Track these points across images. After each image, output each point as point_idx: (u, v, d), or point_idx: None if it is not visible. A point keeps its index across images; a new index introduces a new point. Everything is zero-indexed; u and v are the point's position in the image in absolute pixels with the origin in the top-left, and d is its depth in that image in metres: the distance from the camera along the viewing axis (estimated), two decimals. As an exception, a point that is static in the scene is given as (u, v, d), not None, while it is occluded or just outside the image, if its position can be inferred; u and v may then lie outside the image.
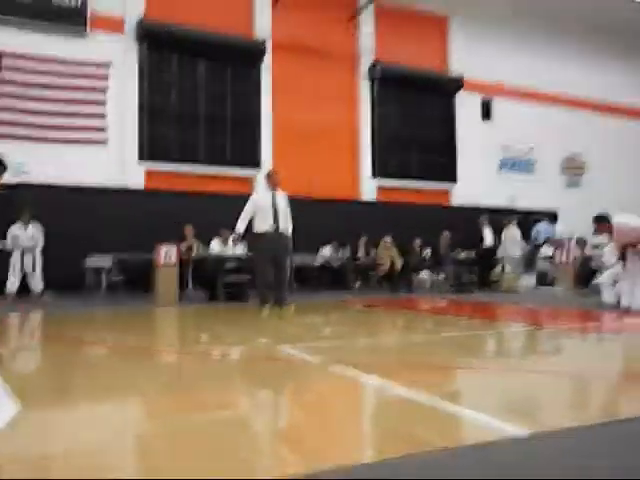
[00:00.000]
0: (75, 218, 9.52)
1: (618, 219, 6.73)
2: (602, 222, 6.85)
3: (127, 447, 2.10)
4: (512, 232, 11.96)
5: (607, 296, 7.47)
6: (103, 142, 10.49)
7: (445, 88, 13.90)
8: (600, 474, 1.75)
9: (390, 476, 1.75)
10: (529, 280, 11.46)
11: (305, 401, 2.80)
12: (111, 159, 10.51)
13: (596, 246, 12.29)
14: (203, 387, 3.08)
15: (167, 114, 11.29)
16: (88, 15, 10.40)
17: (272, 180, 6.92)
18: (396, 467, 1.80)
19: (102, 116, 10.50)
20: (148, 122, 11.01)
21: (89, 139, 10.36)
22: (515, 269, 11.75)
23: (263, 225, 6.63)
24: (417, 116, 13.82)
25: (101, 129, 10.49)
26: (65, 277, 8.86)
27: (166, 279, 8.17)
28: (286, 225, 6.75)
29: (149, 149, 10.97)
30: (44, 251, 9.11)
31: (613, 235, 6.80)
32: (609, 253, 9.53)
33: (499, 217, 12.34)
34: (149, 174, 10.89)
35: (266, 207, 6.65)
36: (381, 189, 13.12)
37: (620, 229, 6.66)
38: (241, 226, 6.68)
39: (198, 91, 11.62)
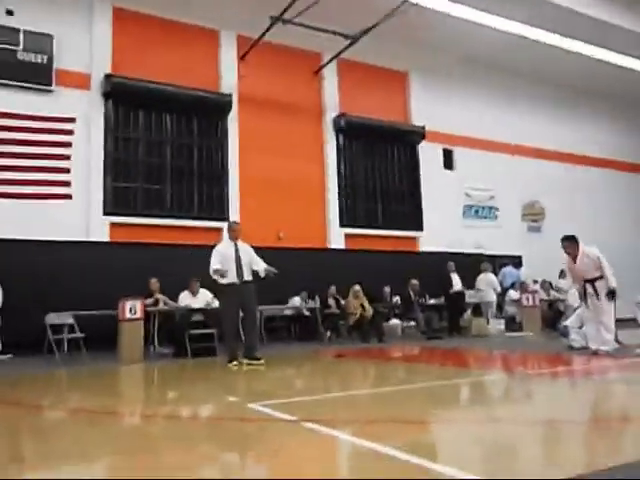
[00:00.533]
0: (36, 274, 9.20)
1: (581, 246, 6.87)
2: (571, 241, 6.92)
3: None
4: (488, 278, 12.15)
5: (575, 339, 7.53)
6: (67, 196, 10.30)
7: (408, 138, 14.29)
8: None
9: None
10: (498, 325, 11.53)
11: (272, 464, 2.66)
12: (75, 213, 10.30)
13: (559, 289, 12.56)
14: (165, 450, 2.90)
15: (133, 167, 11.22)
16: (54, 71, 10.41)
17: (233, 232, 6.99)
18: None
19: (67, 170, 10.37)
20: (113, 175, 10.90)
21: (53, 194, 10.17)
22: (492, 314, 11.86)
23: (227, 278, 6.60)
24: (382, 166, 14.12)
25: (66, 183, 10.33)
26: (24, 336, 8.46)
27: (130, 335, 7.88)
28: (250, 276, 6.75)
29: (114, 202, 10.82)
30: (1, 310, 8.72)
31: (577, 259, 6.83)
32: (572, 295, 9.71)
33: (467, 262, 12.52)
34: (113, 227, 10.69)
35: (229, 259, 6.67)
36: (349, 237, 13.19)
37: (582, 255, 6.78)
38: (216, 265, 6.56)
39: (165, 145, 11.62)
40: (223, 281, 6.60)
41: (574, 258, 6.90)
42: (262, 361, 6.51)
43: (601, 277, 6.77)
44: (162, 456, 2.83)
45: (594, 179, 17.16)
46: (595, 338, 6.89)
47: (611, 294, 6.73)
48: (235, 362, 6.49)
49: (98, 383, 6.03)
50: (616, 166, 17.94)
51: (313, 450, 2.88)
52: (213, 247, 6.99)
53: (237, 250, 6.76)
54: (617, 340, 7.39)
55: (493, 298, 12.08)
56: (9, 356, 8.68)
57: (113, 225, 10.70)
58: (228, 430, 3.37)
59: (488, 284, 12.10)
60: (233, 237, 6.93)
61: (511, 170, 15.48)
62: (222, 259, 6.65)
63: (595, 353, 6.76)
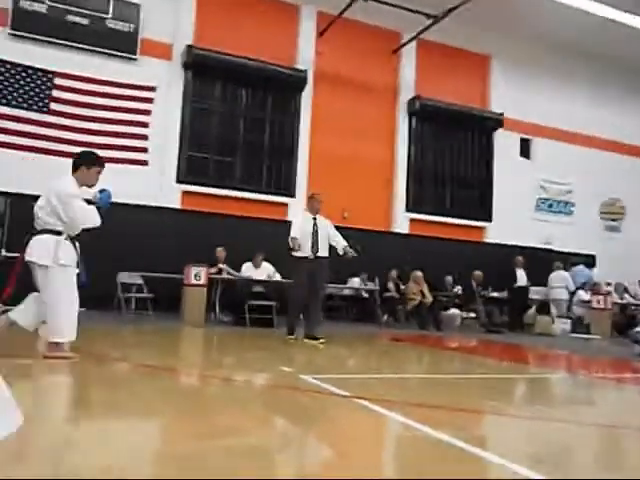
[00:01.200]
0: (110, 234, 9.67)
1: None
2: None
3: (136, 468, 2.03)
4: (562, 275, 11.75)
5: None
6: (144, 162, 10.72)
7: (484, 125, 13.80)
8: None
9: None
10: (563, 325, 11.06)
11: (324, 435, 2.69)
12: (150, 179, 10.71)
13: (636, 295, 11.88)
14: (219, 411, 3.00)
15: (207, 138, 11.51)
16: (139, 40, 10.78)
17: (314, 204, 6.74)
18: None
19: (145, 137, 10.77)
20: (188, 145, 11.23)
21: (131, 159, 10.61)
22: (561, 312, 11.44)
23: (302, 251, 6.40)
24: (454, 152, 13.73)
25: (143, 150, 10.74)
26: (95, 292, 8.95)
27: (194, 300, 8.18)
28: (325, 252, 6.55)
29: (187, 171, 11.16)
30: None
31: None
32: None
33: (534, 257, 12.07)
34: (185, 195, 11.04)
35: (306, 232, 6.47)
36: (414, 222, 12.98)
37: None
38: (295, 233, 6.35)
39: (238, 118, 11.82)
40: (296, 254, 6.41)
41: None
42: (322, 340, 6.35)
43: None
44: (215, 416, 2.93)
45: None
46: None
47: None
48: (292, 336, 6.49)
49: (161, 341, 6.32)
50: None
51: (362, 425, 2.89)
52: (280, 222, 7.03)
53: (315, 224, 6.57)
54: None
55: (565, 296, 11.63)
56: (81, 309, 9.21)
57: (185, 193, 11.05)
58: (280, 398, 3.44)
59: (561, 281, 11.65)
60: (313, 210, 6.70)
61: (592, 165, 14.62)
62: (300, 230, 6.43)
63: None
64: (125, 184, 10.32)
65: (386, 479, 2.12)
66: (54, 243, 4.29)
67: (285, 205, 11.82)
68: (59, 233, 4.34)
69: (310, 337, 6.41)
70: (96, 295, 8.95)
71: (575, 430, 3.05)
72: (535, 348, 8.09)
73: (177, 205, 10.91)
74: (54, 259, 4.28)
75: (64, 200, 4.30)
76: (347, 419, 3.01)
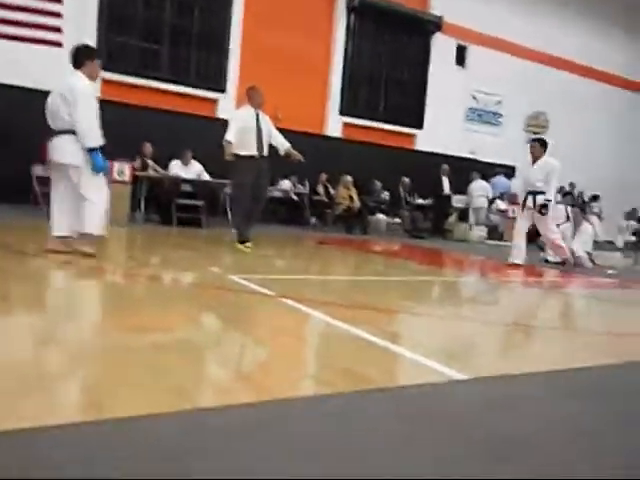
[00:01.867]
0: (23, 124, 8.97)
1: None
2: (541, 143, 6.89)
3: (60, 364, 2.06)
4: (482, 185, 12.26)
5: (550, 254, 7.77)
6: (57, 44, 9.75)
7: (423, 28, 13.52)
8: (532, 418, 1.85)
9: (330, 410, 1.79)
10: (480, 232, 11.77)
11: (251, 331, 2.82)
12: (63, 63, 9.80)
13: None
14: (146, 310, 3.04)
15: (128, 21, 10.55)
16: None
17: (255, 97, 6.16)
18: (336, 402, 1.85)
19: (58, 15, 9.72)
20: (107, 28, 10.27)
21: (41, 39, 9.61)
22: (479, 220, 12.06)
23: (246, 149, 5.95)
24: (391, 54, 13.48)
25: (56, 29, 9.73)
26: (10, 185, 8.44)
27: (117, 198, 7.83)
28: (267, 151, 6.16)
29: (107, 56, 10.29)
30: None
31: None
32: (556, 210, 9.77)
33: (459, 166, 12.46)
34: (106, 83, 10.27)
35: (249, 128, 5.97)
36: (347, 126, 12.91)
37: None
38: (230, 137, 5.83)
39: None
40: (241, 152, 5.94)
41: (534, 161, 6.86)
42: (249, 244, 6.17)
43: (543, 192, 6.70)
44: (141, 313, 2.96)
45: (604, 96, 16.66)
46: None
47: (543, 208, 6.68)
48: (248, 243, 6.03)
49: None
50: (621, 84, 17.29)
51: (287, 321, 3.04)
52: (209, 118, 6.71)
53: (259, 120, 6.06)
54: (591, 260, 7.64)
55: (484, 205, 12.24)
56: (-6, 203, 8.70)
57: (105, 82, 10.28)
58: (207, 296, 3.51)
59: (481, 191, 12.21)
60: (256, 104, 6.12)
61: (523, 77, 14.88)
62: (241, 128, 5.91)
63: (571, 265, 7.19)
64: (35, 66, 9.44)
65: (310, 373, 2.28)
66: (73, 140, 4.33)
67: (215, 101, 11.32)
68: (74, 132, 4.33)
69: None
70: (11, 189, 8.46)
71: (481, 328, 3.37)
72: (452, 253, 8.61)
73: (96, 94, 10.17)
74: (78, 156, 4.33)
75: (77, 98, 4.28)
76: (272, 316, 3.15)
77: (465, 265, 7.66)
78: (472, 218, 12.07)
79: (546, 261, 7.78)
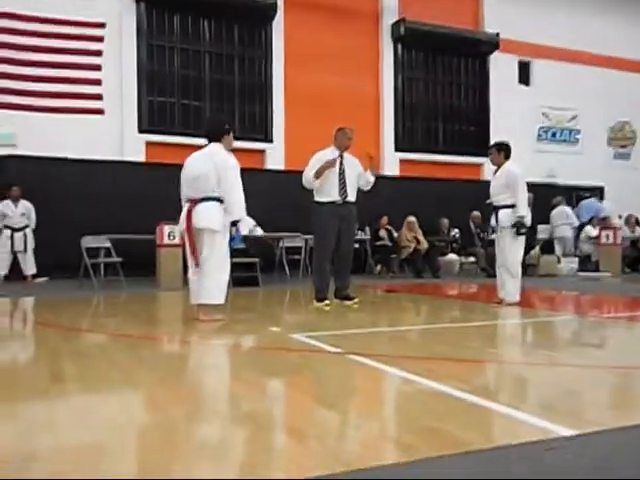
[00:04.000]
0: (69, 195, 9.56)
1: None
2: (498, 149, 6.29)
3: (122, 442, 2.09)
4: (565, 211, 11.90)
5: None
6: (99, 111, 10.47)
7: (478, 49, 13.62)
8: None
9: (424, 477, 1.71)
10: (570, 264, 11.29)
11: (323, 394, 2.77)
12: (108, 130, 10.50)
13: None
14: (207, 377, 3.06)
15: (168, 81, 11.23)
16: (81, -29, 10.33)
17: (340, 137, 6.05)
18: (432, 468, 1.76)
19: (97, 82, 10.48)
20: (147, 89, 10.96)
21: (84, 107, 10.35)
22: (567, 251, 11.65)
23: (326, 194, 5.88)
24: (446, 81, 13.60)
25: (96, 96, 10.47)
26: (59, 260, 8.93)
27: (169, 261, 8.19)
28: (354, 196, 6.00)
29: (149, 119, 10.94)
30: (35, 231, 9.18)
31: None
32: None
33: (538, 193, 12.15)
34: (150, 146, 10.88)
35: (332, 172, 5.87)
36: (404, 163, 12.97)
37: None
38: (311, 172, 5.81)
39: (202, 55, 11.52)
40: (320, 198, 5.89)
41: (495, 171, 6.23)
42: (356, 300, 6.04)
43: (509, 206, 5.92)
44: (201, 382, 2.98)
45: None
46: (501, 285, 6.15)
47: (518, 227, 5.83)
48: (327, 301, 5.88)
49: (136, 309, 6.35)
50: None
51: (358, 380, 2.97)
52: (258, 170, 6.89)
53: (342, 162, 5.97)
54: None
55: (568, 233, 11.83)
56: (45, 279, 9.22)
57: (149, 144, 10.88)
58: (271, 359, 3.50)
59: (564, 218, 11.82)
60: (342, 145, 6.03)
61: (599, 86, 14.56)
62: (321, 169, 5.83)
63: (499, 302, 6.10)
64: (80, 137, 10.13)
65: (390, 436, 2.20)
66: (219, 208, 4.84)
67: (262, 152, 11.71)
68: (219, 200, 4.85)
69: (343, 297, 6.08)
70: (60, 263, 8.96)
71: (584, 374, 3.17)
72: (539, 289, 8.28)
73: (142, 158, 10.76)
74: (222, 223, 4.82)
75: (228, 171, 4.86)
76: (341, 375, 3.09)
77: (557, 302, 7.33)
78: (558, 249, 11.65)
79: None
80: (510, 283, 6.03)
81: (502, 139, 6.57)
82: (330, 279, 6.05)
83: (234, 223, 4.85)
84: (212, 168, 4.83)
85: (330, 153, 6.01)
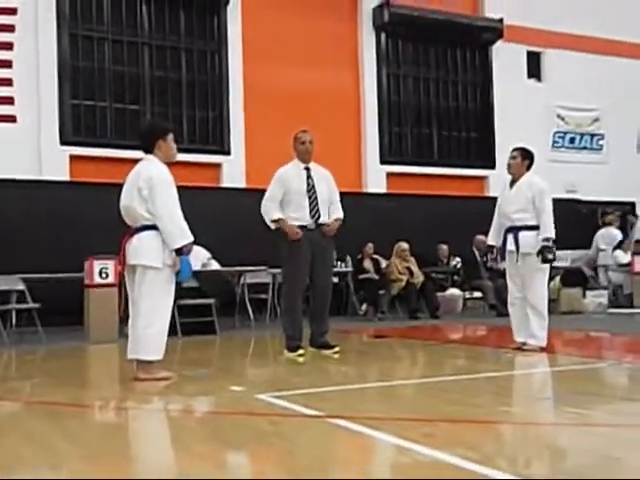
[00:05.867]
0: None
1: None
2: (522, 154, 6.27)
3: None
4: (611, 233, 12.12)
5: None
6: (10, 119, 10.41)
7: (478, 38, 13.90)
8: None
9: None
10: (598, 297, 11.41)
11: (297, 469, 2.75)
12: (22, 141, 10.42)
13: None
14: (151, 450, 3.02)
15: (98, 80, 11.22)
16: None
17: (301, 148, 6.09)
18: None
19: (8, 82, 10.44)
20: (72, 91, 10.93)
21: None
22: (600, 282, 11.87)
23: (295, 218, 5.89)
24: (440, 77, 13.82)
25: (7, 100, 10.42)
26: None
27: (101, 305, 8.08)
28: (327, 216, 6.04)
29: (74, 127, 10.90)
30: None
31: None
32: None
33: (555, 211, 12.35)
34: (75, 161, 10.81)
35: (296, 191, 5.93)
36: (393, 177, 13.10)
37: None
38: (274, 212, 5.88)
39: (140, 48, 11.56)
40: (287, 223, 5.89)
41: (512, 182, 6.23)
42: (337, 348, 6.00)
43: (533, 227, 5.98)
44: (145, 458, 2.95)
45: None
46: (519, 326, 6.17)
47: (546, 253, 5.80)
48: (301, 351, 5.84)
49: (59, 368, 6.25)
50: None
51: (342, 451, 2.96)
52: (209, 189, 6.89)
53: (310, 176, 6.01)
54: None
55: (610, 261, 12.04)
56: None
57: (74, 158, 10.82)
58: (231, 425, 3.48)
59: (611, 241, 12.08)
60: (302, 156, 6.07)
61: (626, 82, 14.89)
62: (285, 192, 5.91)
63: (519, 348, 6.12)
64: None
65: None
66: (157, 239, 4.73)
67: (217, 166, 11.73)
68: (156, 228, 4.74)
69: (321, 345, 6.04)
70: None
71: (622, 434, 3.20)
72: (562, 331, 8.37)
73: (64, 177, 10.68)
74: (163, 259, 4.73)
75: (154, 190, 4.71)
76: (321, 446, 3.08)
77: (584, 346, 7.42)
78: (603, 278, 11.90)
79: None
80: (535, 323, 6.03)
81: (514, 146, 6.60)
82: (304, 323, 6.04)
83: (178, 252, 4.76)
84: (136, 195, 4.76)
85: (292, 168, 6.09)
